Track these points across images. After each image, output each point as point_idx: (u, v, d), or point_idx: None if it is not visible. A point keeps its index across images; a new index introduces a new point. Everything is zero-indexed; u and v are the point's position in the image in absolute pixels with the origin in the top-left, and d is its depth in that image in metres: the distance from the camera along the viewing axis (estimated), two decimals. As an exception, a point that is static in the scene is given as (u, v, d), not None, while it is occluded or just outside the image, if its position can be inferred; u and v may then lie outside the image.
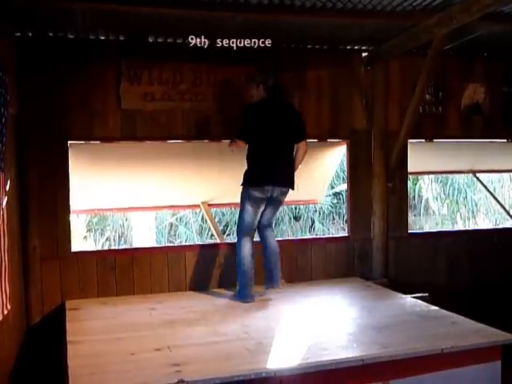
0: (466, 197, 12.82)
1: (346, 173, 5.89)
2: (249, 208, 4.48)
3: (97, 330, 3.78)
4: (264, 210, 4.57)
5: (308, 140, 4.99)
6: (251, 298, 4.46)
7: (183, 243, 11.21)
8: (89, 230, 11.73)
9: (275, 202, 4.56)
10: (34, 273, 4.47)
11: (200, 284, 4.91)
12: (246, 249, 4.51)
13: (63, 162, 4.54)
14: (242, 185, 4.47)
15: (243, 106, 4.51)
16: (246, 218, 4.51)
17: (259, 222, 4.61)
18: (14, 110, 4.02)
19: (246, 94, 4.66)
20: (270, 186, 4.42)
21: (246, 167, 4.49)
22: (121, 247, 10.97)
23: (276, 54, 4.86)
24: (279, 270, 4.63)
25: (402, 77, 5.36)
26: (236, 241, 4.61)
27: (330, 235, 10.41)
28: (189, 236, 11.82)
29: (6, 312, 3.41)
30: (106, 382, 2.86)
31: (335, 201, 12.23)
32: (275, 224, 12.14)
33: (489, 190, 9.05)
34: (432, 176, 11.80)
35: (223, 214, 11.51)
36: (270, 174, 4.41)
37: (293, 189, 4.55)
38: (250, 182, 4.44)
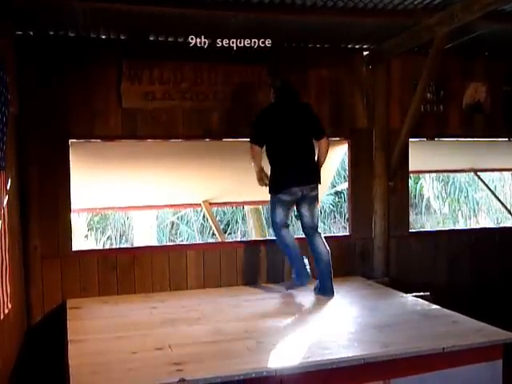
0: (468, 195, 12.83)
1: (347, 172, 5.88)
2: (280, 211, 4.51)
3: (98, 328, 3.78)
4: (300, 212, 4.57)
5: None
6: (308, 276, 4.53)
7: (184, 242, 11.24)
8: (90, 229, 11.76)
9: (308, 200, 4.50)
10: (34, 272, 4.47)
11: (201, 283, 4.91)
12: (289, 236, 4.55)
13: (64, 161, 4.53)
14: (270, 192, 4.50)
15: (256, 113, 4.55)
16: (279, 218, 4.53)
17: (303, 227, 4.63)
18: (15, 109, 4.02)
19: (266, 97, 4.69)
20: (297, 187, 4.42)
21: (246, 167, 4.50)
22: (122, 246, 10.99)
23: (276, 54, 4.87)
24: (331, 279, 4.55)
25: (404, 76, 5.36)
26: (276, 237, 4.65)
27: (332, 234, 10.40)
28: (190, 235, 11.84)
29: (6, 311, 3.41)
30: (107, 381, 2.85)
31: (336, 200, 12.25)
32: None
33: (490, 189, 9.05)
34: (433, 175, 11.82)
35: (224, 213, 11.52)
36: (293, 176, 4.41)
37: (320, 183, 4.54)
38: (276, 188, 4.46)
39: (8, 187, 3.62)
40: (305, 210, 4.56)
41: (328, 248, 4.58)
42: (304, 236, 4.66)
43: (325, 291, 4.52)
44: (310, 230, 4.61)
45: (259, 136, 4.46)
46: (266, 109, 4.53)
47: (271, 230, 4.73)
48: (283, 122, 4.46)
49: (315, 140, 4.54)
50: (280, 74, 4.64)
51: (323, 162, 4.57)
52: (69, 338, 3.52)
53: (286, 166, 4.44)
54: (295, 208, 4.60)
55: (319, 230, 4.67)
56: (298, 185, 4.42)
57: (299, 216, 4.64)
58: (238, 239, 10.82)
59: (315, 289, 4.60)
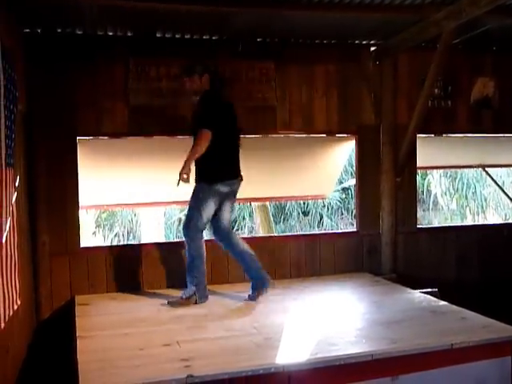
0: (475, 191, 12.77)
1: (354, 168, 5.87)
2: (211, 205, 4.21)
3: (106, 325, 3.79)
4: (223, 210, 4.32)
5: (316, 135, 4.98)
6: (206, 297, 4.30)
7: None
8: (98, 226, 11.81)
9: (234, 195, 4.36)
10: (43, 268, 4.50)
11: (208, 279, 4.90)
12: (203, 248, 4.29)
13: (72, 158, 4.55)
14: (204, 181, 4.19)
15: (202, 97, 4.23)
16: (207, 215, 4.22)
17: (220, 226, 4.34)
18: (23, 106, 4.04)
19: (186, 88, 4.37)
20: (235, 179, 4.29)
21: (252, 163, 4.48)
22: (129, 243, 11.01)
23: (281, 49, 4.86)
24: (262, 269, 4.35)
25: (411, 71, 5.34)
26: (188, 239, 4.27)
27: (339, 230, 10.39)
28: (197, 231, 11.82)
29: (16, 307, 3.43)
30: (114, 376, 2.87)
31: (344, 196, 12.23)
32: (283, 219, 12.18)
33: (498, 185, 9.00)
34: (441, 171, 11.76)
35: (231, 210, 11.52)
36: (233, 168, 4.30)
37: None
38: (216, 178, 4.19)
39: (17, 184, 3.64)
40: (228, 206, 4.34)
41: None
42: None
43: (265, 284, 4.30)
44: (226, 229, 4.38)
45: (215, 123, 4.11)
46: (212, 95, 4.22)
47: (189, 231, 4.25)
48: (227, 111, 4.28)
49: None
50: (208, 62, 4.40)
51: None
52: (77, 334, 3.55)
53: (227, 156, 4.24)
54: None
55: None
56: (235, 177, 4.29)
57: (218, 215, 4.31)
58: (245, 235, 10.82)
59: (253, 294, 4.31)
